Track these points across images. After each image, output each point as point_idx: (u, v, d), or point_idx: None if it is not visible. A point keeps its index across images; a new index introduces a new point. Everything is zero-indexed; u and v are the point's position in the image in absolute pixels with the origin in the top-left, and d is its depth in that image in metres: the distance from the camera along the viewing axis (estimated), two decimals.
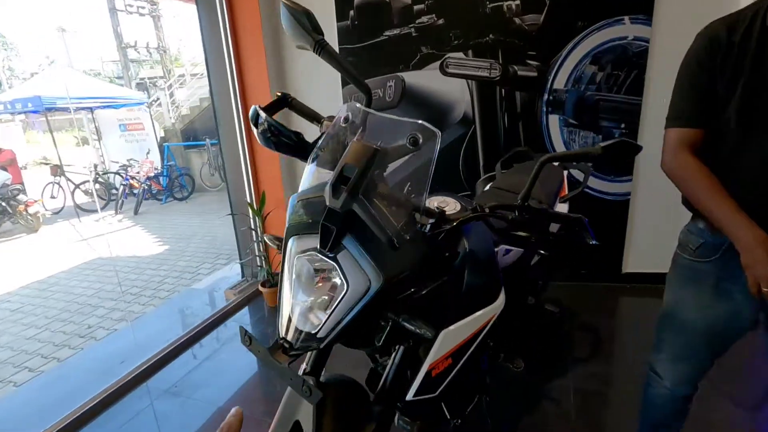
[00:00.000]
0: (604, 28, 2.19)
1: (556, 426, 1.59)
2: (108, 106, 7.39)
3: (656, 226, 2.37)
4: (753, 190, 0.88)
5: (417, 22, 2.34)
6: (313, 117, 1.00)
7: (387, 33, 2.39)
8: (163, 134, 8.43)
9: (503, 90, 2.37)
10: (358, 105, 0.85)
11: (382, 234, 0.72)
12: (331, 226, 0.75)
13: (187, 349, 2.23)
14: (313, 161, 0.87)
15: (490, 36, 2.28)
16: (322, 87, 2.56)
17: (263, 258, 2.57)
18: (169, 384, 1.95)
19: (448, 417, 1.07)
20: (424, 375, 0.90)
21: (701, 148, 0.95)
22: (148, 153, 7.15)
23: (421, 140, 0.78)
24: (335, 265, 0.76)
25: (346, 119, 0.85)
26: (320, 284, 0.80)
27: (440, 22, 2.31)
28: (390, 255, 0.74)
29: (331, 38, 2.45)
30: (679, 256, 1.08)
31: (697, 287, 1.03)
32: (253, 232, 2.73)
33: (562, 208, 1.66)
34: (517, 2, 2.22)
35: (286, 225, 0.86)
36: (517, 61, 2.31)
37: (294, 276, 0.80)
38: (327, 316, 0.76)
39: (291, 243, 0.82)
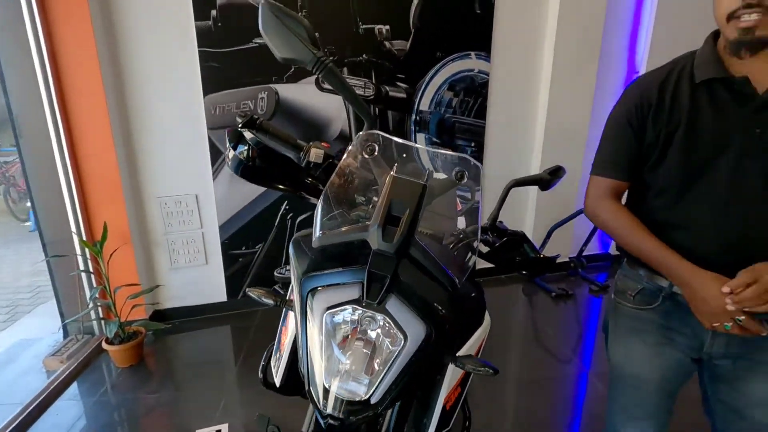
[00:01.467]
0: (457, 60, 2.53)
1: None
2: None
3: None
4: (705, 241, 0.87)
5: None
6: (292, 143, 0.84)
7: (257, 40, 2.19)
8: None
9: (377, 109, 2.46)
10: (383, 134, 0.77)
11: (443, 276, 0.67)
12: (380, 273, 0.66)
13: None
14: (326, 198, 0.74)
15: (364, 56, 2.35)
16: (179, 90, 2.17)
17: (111, 308, 2.00)
18: None
19: None
20: (440, 410, 0.88)
21: (642, 204, 0.96)
22: None
23: (466, 175, 0.76)
24: (385, 317, 0.67)
25: (371, 150, 0.75)
26: (356, 343, 0.69)
27: (316, 35, 2.25)
28: (442, 295, 0.70)
29: (188, 37, 2.10)
30: (619, 304, 1.05)
31: (641, 338, 1.00)
32: (86, 276, 2.11)
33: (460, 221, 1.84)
34: (387, 27, 2.35)
35: (298, 276, 0.71)
36: (388, 82, 2.44)
37: (323, 338, 0.67)
38: (381, 377, 0.66)
39: (314, 298, 0.69)
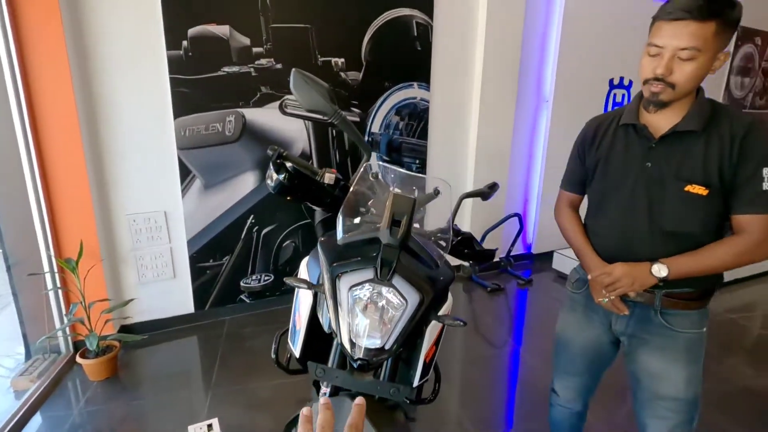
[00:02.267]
0: (402, 89, 2.91)
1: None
2: None
3: None
4: (607, 244, 1.15)
5: (256, 63, 2.46)
6: (311, 170, 1.12)
7: (226, 69, 2.39)
8: None
9: (334, 131, 2.76)
10: (383, 163, 1.08)
11: (429, 258, 0.99)
12: (389, 259, 0.96)
13: None
14: (344, 210, 1.03)
15: (328, 85, 2.64)
16: (151, 114, 2.30)
17: (85, 323, 2.06)
18: None
19: (432, 396, 1.35)
20: (422, 363, 1.19)
21: (586, 214, 1.24)
22: None
23: (440, 190, 1.09)
24: (392, 287, 0.97)
25: (375, 175, 1.06)
26: (370, 308, 0.98)
27: (278, 66, 2.51)
28: (430, 273, 1.02)
29: (161, 67, 2.25)
30: (567, 289, 1.34)
31: (574, 314, 1.28)
32: (54, 294, 2.14)
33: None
34: (342, 60, 2.67)
35: (328, 265, 0.99)
36: (344, 107, 2.75)
37: (350, 306, 0.96)
38: (391, 330, 0.96)
39: (340, 280, 0.97)
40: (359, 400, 0.49)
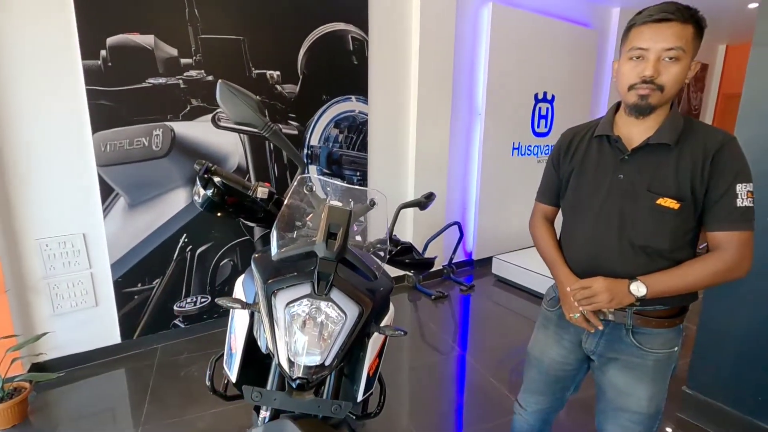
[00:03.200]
0: (340, 102, 2.92)
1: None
2: None
3: None
4: (578, 255, 1.12)
5: (185, 74, 2.35)
6: (242, 184, 1.07)
7: (151, 80, 2.26)
8: None
9: (272, 144, 2.70)
10: (321, 177, 1.06)
11: (367, 270, 0.99)
12: (326, 272, 0.95)
13: None
14: (278, 224, 1.00)
15: (258, 97, 2.57)
16: (64, 127, 2.10)
17: None
18: None
19: (378, 409, 1.33)
20: (365, 376, 1.17)
21: (563, 220, 1.21)
22: None
23: (376, 201, 1.09)
24: (330, 302, 0.95)
25: (310, 188, 1.04)
26: (309, 324, 0.96)
27: (210, 78, 2.42)
28: (367, 285, 1.01)
29: (76, 77, 2.08)
30: (542, 306, 1.30)
31: (545, 331, 1.25)
32: None
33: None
34: (278, 73, 2.63)
35: (263, 283, 0.96)
36: (281, 120, 2.70)
37: (286, 324, 0.93)
38: (331, 345, 0.94)
39: (276, 297, 0.94)
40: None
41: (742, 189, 0.96)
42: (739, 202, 0.95)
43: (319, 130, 2.88)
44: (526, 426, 1.34)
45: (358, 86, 2.98)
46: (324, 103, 2.86)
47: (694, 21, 0.94)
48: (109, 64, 2.14)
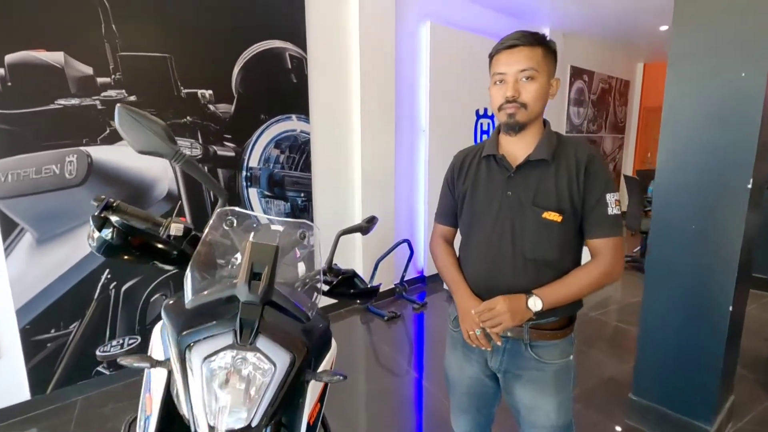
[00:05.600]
0: (280, 121, 2.81)
1: None
2: None
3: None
4: (474, 273, 1.15)
5: (102, 95, 2.14)
6: (152, 221, 0.93)
7: (62, 102, 2.03)
8: None
9: (206, 167, 2.52)
10: (238, 209, 0.94)
11: (298, 312, 0.89)
12: (250, 318, 0.83)
13: None
14: (193, 266, 0.87)
15: (188, 118, 2.41)
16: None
17: None
18: None
19: None
20: (305, 425, 1.06)
21: (461, 240, 1.23)
22: None
23: (307, 235, 0.99)
24: (257, 351, 0.84)
25: (231, 223, 0.92)
26: (232, 379, 0.84)
27: (132, 98, 2.22)
28: (299, 328, 0.91)
29: None
30: (449, 327, 1.31)
31: (455, 352, 1.26)
32: None
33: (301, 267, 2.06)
34: (210, 92, 2.48)
35: (175, 336, 0.83)
36: (215, 142, 2.54)
37: (205, 382, 0.81)
38: (259, 402, 0.83)
39: (191, 351, 0.82)
40: None
41: (611, 198, 1.05)
42: (609, 210, 1.04)
43: (258, 150, 2.74)
44: None
45: (299, 105, 2.89)
46: (263, 122, 2.73)
47: (541, 44, 1.04)
48: (9, 84, 1.90)
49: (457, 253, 1.28)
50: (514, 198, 1.08)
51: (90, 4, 2.06)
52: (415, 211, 3.85)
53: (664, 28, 4.86)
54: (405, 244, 3.51)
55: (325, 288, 1.22)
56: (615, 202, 1.05)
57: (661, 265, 1.88)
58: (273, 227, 1.00)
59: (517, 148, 1.11)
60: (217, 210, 0.93)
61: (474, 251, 1.16)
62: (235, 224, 0.93)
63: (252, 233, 0.95)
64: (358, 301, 1.30)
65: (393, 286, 3.63)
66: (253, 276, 0.83)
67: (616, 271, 1.06)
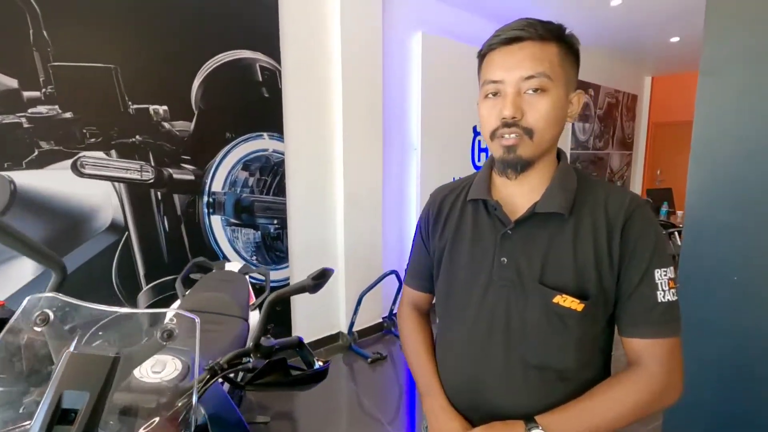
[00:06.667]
0: (249, 140, 2.50)
1: None
2: None
3: (312, 299, 2.84)
4: (455, 375, 0.81)
5: (30, 111, 1.84)
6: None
7: None
8: None
9: (159, 193, 2.21)
10: (64, 297, 0.61)
11: None
12: None
13: None
14: None
15: (138, 137, 2.10)
16: None
17: None
18: None
19: None
20: None
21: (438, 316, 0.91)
22: None
23: (176, 332, 0.65)
24: None
25: (44, 320, 0.58)
26: None
27: (67, 115, 1.92)
28: None
29: None
30: None
31: None
32: None
33: (254, 315, 1.72)
34: (165, 108, 2.18)
35: None
36: (171, 164, 2.23)
37: None
38: None
39: None
40: None
41: (662, 277, 0.68)
42: (660, 296, 0.68)
43: (222, 173, 2.42)
44: None
45: (271, 122, 2.58)
46: (228, 142, 2.42)
47: (556, 39, 0.69)
48: None
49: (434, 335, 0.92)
50: (510, 268, 0.73)
51: (14, 6, 1.78)
52: (406, 239, 3.50)
53: (675, 39, 4.56)
54: (393, 276, 3.15)
55: (249, 376, 0.89)
56: (669, 283, 0.68)
57: (692, 321, 1.52)
58: (120, 321, 0.66)
59: (519, 193, 0.76)
60: (29, 297, 0.60)
61: (453, 341, 0.82)
62: (50, 320, 0.60)
63: (78, 336, 0.61)
64: (296, 389, 0.96)
65: (380, 320, 3.27)
66: (63, 415, 0.50)
67: (671, 390, 0.68)
